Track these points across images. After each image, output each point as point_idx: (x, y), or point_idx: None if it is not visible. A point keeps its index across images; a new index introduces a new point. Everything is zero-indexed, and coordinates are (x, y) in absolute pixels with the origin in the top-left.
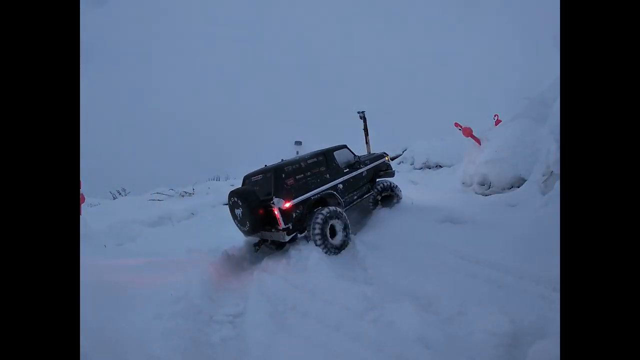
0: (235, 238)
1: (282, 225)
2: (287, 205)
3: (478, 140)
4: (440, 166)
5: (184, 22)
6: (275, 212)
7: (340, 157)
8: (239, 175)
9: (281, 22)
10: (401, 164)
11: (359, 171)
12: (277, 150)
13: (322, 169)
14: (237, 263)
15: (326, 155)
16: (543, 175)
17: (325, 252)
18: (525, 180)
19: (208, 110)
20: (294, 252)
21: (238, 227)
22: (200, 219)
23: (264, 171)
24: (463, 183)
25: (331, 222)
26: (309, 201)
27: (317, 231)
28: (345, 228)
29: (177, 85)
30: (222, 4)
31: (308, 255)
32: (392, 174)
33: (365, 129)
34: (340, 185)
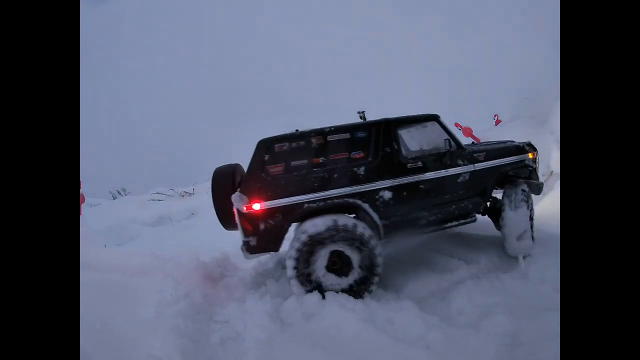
0: (235, 236)
1: (242, 235)
2: (255, 207)
3: (478, 140)
4: None
5: (184, 20)
6: (235, 214)
7: (413, 137)
8: None
9: (281, 21)
10: None
11: (449, 172)
12: None
13: (357, 155)
14: (237, 262)
15: (378, 130)
16: (543, 175)
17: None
18: None
19: (208, 109)
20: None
21: None
22: (200, 219)
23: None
24: None
25: (333, 247)
26: (296, 211)
27: (292, 258)
28: (372, 262)
29: (177, 84)
30: (222, 2)
31: None
32: (537, 189)
33: None
34: (386, 194)
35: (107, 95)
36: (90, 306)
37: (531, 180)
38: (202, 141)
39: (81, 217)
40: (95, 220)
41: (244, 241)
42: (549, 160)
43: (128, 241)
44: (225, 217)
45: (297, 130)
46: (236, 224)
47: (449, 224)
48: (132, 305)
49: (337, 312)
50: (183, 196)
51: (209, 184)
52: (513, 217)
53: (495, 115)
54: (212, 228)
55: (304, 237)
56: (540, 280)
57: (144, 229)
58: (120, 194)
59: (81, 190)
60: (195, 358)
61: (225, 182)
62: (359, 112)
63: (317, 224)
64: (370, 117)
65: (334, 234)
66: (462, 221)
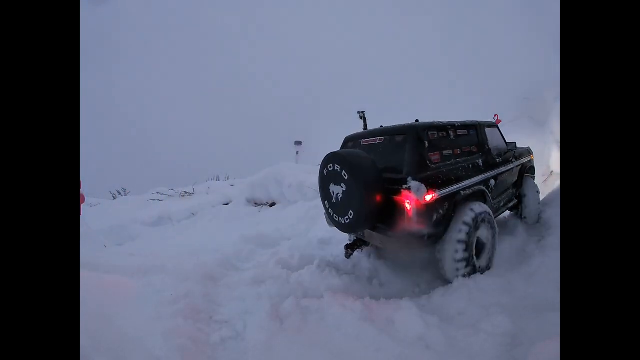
0: (235, 236)
1: (414, 229)
2: (430, 196)
3: None
4: None
5: (183, 20)
6: (407, 205)
7: (491, 139)
8: (239, 175)
9: (280, 21)
10: None
11: (511, 166)
12: (277, 150)
13: (474, 149)
14: (237, 262)
15: (478, 130)
16: (543, 175)
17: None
18: None
19: (208, 110)
20: (284, 249)
21: (329, 216)
22: (200, 219)
23: (391, 131)
24: None
25: (480, 231)
26: (456, 198)
27: (461, 242)
28: (494, 241)
29: (177, 85)
30: (222, 2)
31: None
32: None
33: (365, 129)
34: (492, 182)
35: (107, 96)
36: (90, 306)
37: (529, 175)
38: (201, 141)
39: (81, 217)
40: (95, 220)
41: (419, 236)
42: (549, 160)
43: (128, 241)
44: (375, 213)
45: (417, 120)
46: (377, 220)
47: (507, 206)
48: (132, 305)
49: (337, 312)
50: (183, 196)
51: (209, 184)
52: (533, 198)
53: (495, 115)
54: (212, 228)
55: (469, 219)
56: (540, 280)
57: (144, 229)
58: (120, 194)
59: (81, 190)
60: (195, 358)
61: (376, 169)
62: (359, 112)
63: (476, 209)
64: (371, 117)
65: (485, 217)
66: (511, 204)
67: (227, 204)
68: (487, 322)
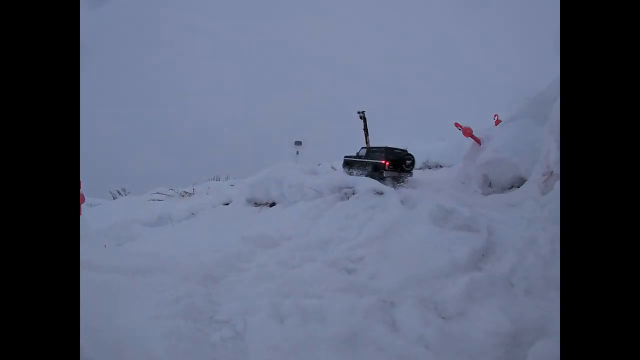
0: (235, 236)
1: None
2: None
3: (478, 141)
4: (441, 166)
5: (184, 21)
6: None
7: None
8: (239, 175)
9: (281, 21)
10: None
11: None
12: (277, 150)
13: None
14: (237, 262)
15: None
16: (543, 175)
17: None
18: (525, 180)
19: (208, 110)
20: (284, 249)
21: (400, 170)
22: (200, 219)
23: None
24: (463, 183)
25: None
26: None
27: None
28: None
29: (177, 85)
30: (223, 2)
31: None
32: None
33: (365, 129)
34: None
35: (107, 95)
36: (90, 306)
37: None
38: (202, 141)
39: (81, 217)
40: (95, 220)
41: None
42: (549, 161)
43: (128, 241)
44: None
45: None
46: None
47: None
48: (132, 305)
49: (337, 311)
50: (183, 196)
51: (209, 184)
52: None
53: (495, 115)
54: (212, 228)
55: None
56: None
57: (144, 229)
58: (120, 194)
59: (81, 190)
60: (196, 358)
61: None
62: (359, 112)
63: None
64: (371, 117)
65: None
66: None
67: (227, 204)
68: (487, 322)
